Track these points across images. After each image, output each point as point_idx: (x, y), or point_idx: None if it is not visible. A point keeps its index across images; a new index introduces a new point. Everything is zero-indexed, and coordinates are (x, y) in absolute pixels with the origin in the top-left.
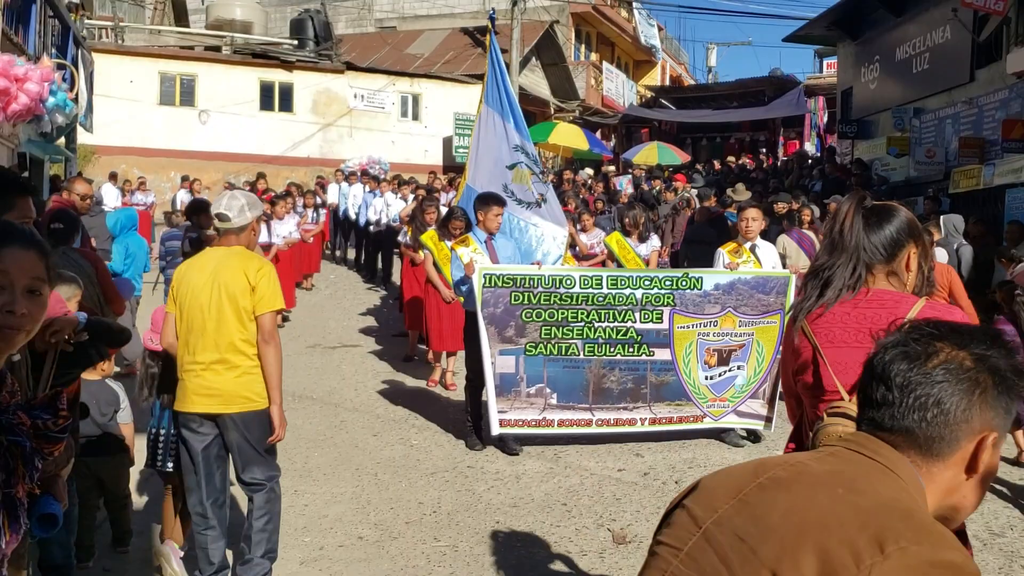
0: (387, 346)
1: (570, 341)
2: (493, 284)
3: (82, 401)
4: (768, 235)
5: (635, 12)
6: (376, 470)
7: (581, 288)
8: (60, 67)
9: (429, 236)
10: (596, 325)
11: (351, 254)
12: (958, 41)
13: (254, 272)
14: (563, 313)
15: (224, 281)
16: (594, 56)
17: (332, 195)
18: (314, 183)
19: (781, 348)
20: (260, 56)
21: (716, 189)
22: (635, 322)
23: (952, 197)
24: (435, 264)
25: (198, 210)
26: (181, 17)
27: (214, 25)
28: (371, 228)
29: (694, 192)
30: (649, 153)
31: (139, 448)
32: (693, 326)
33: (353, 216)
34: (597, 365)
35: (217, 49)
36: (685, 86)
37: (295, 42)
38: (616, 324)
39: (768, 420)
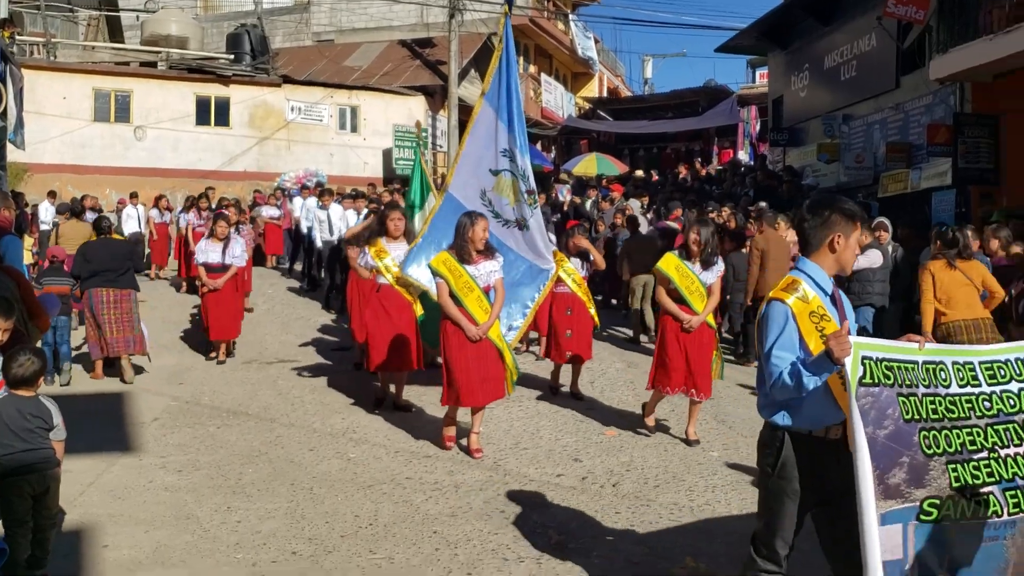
0: (325, 360)
1: (987, 489)
2: (873, 380)
3: None
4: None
5: (572, 24)
6: (312, 484)
7: (959, 385)
8: None
9: (443, 260)
10: (1003, 453)
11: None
12: (883, 49)
13: None
14: (962, 435)
15: None
16: (532, 68)
17: (296, 209)
18: (251, 197)
19: None
20: (196, 71)
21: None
22: None
23: (881, 201)
24: (453, 295)
25: None
26: (115, 33)
27: (149, 41)
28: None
29: (633, 203)
30: (588, 164)
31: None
32: None
33: (304, 230)
34: (1021, 532)
35: (152, 64)
36: (622, 97)
37: (231, 56)
38: (1020, 449)
39: None
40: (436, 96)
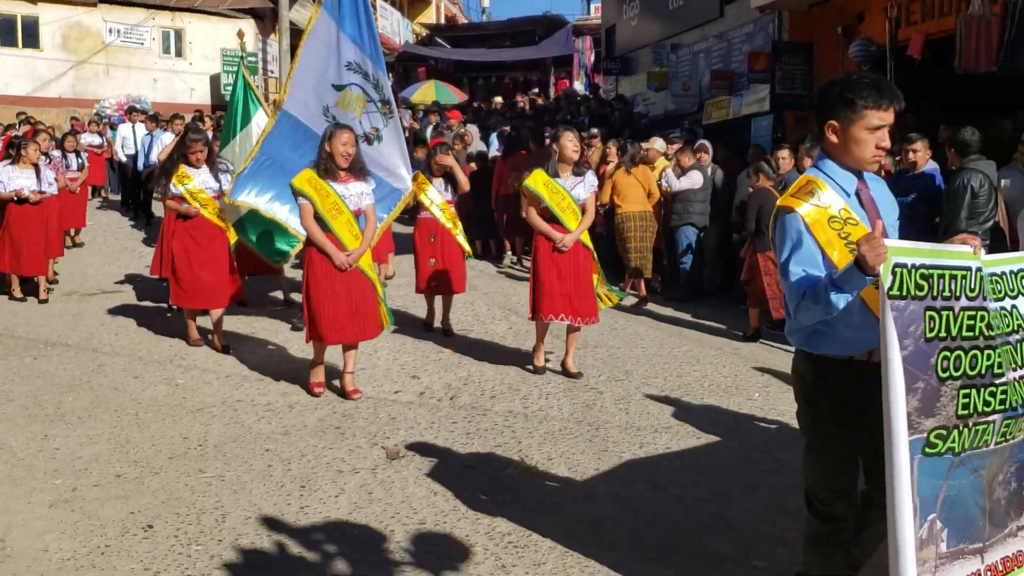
0: (150, 291)
1: (989, 418)
2: (904, 290)
3: None
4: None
5: None
6: (137, 410)
7: (995, 297)
8: None
9: (307, 178)
10: (1010, 377)
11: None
12: None
13: None
14: (993, 356)
15: None
16: None
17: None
18: (68, 124)
19: None
20: None
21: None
22: None
23: (706, 128)
24: (319, 217)
25: None
26: None
27: None
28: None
29: (471, 128)
30: (427, 91)
31: None
32: None
33: (124, 158)
34: (998, 459)
35: None
36: (459, 25)
37: None
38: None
39: None
40: (266, 19)
